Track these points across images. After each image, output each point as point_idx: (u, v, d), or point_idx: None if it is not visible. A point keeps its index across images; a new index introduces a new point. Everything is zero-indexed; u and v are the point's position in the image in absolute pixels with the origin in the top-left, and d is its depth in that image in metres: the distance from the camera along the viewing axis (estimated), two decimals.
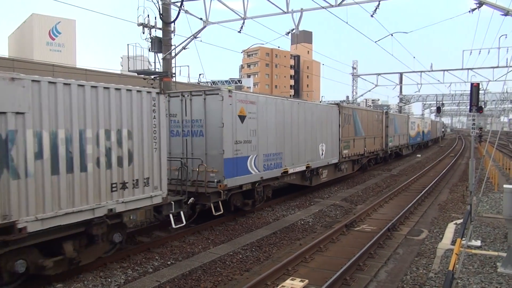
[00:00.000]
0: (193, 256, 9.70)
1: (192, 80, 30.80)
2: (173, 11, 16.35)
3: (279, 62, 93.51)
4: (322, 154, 18.47)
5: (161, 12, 15.92)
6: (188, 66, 20.68)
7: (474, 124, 15.35)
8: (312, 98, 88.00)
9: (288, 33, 18.29)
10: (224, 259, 9.53)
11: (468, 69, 34.24)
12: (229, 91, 12.31)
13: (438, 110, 51.96)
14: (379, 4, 15.40)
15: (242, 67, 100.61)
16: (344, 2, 15.17)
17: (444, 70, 37.11)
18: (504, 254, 8.47)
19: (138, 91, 9.10)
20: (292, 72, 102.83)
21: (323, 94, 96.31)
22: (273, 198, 15.52)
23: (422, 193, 17.78)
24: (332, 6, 15.34)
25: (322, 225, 13.22)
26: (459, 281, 7.58)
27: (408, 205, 15.10)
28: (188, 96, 12.29)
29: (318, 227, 12.91)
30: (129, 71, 18.53)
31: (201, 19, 16.69)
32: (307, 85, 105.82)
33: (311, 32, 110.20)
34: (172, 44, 16.58)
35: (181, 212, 10.44)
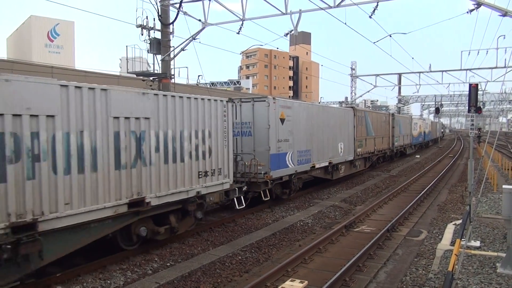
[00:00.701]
0: (192, 258, 9.69)
1: (191, 81, 30.81)
2: (172, 13, 16.36)
3: (278, 63, 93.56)
4: (341, 151, 20.89)
5: (159, 14, 15.91)
6: (187, 67, 20.72)
7: (472, 124, 15.36)
8: (311, 99, 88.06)
9: (287, 34, 18.29)
10: (223, 261, 9.52)
11: (466, 69, 34.25)
12: (274, 98, 14.82)
13: (437, 111, 52.04)
14: (377, 5, 15.41)
15: (241, 68, 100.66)
16: (342, 3, 15.18)
17: (442, 71, 37.12)
18: (504, 255, 8.47)
19: (214, 100, 11.64)
20: (291, 73, 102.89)
21: (322, 95, 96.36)
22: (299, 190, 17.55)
23: (421, 193, 17.80)
24: (330, 7, 15.34)
25: (322, 226, 13.21)
26: (458, 281, 7.58)
27: (408, 206, 15.11)
28: (238, 102, 14.55)
29: (318, 228, 12.90)
30: (128, 72, 18.50)
31: (199, 20, 16.69)
32: (306, 86, 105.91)
33: (309, 33, 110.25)
34: (171, 45, 16.57)
35: (241, 196, 12.97)
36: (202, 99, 11.15)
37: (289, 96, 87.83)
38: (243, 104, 14.44)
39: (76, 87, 7.92)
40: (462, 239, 9.04)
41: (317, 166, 18.01)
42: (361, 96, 48.11)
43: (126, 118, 8.92)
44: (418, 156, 40.21)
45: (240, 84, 59.60)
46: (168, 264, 9.31)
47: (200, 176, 11.06)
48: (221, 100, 11.96)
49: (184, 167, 10.48)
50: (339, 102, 63.93)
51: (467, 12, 14.67)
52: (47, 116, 7.36)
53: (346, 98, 57.55)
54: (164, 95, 9.92)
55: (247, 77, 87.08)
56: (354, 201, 17.44)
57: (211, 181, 11.51)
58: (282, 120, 15.10)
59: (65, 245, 7.81)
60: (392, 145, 32.24)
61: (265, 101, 14.39)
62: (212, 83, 53.83)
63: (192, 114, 10.74)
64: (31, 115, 7.09)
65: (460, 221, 12.08)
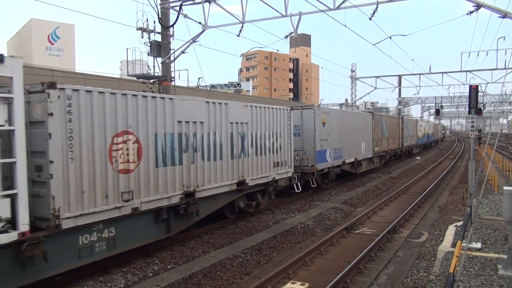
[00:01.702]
0: (193, 260, 9.68)
1: (191, 84, 30.83)
2: (172, 15, 16.40)
3: (278, 66, 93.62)
4: (363, 150, 24.27)
5: (160, 17, 15.95)
6: (187, 70, 20.76)
7: (473, 126, 15.36)
8: (311, 101, 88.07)
9: (287, 36, 18.34)
10: (224, 263, 9.51)
11: (466, 71, 34.27)
12: (318, 106, 18.65)
13: (437, 112, 52.03)
14: (377, 7, 15.44)
15: (241, 70, 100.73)
16: (342, 5, 15.21)
17: (443, 73, 37.13)
18: (505, 256, 8.46)
19: (282, 108, 15.15)
20: (291, 75, 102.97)
21: (322, 97, 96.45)
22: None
23: (422, 195, 17.78)
24: (330, 9, 15.37)
25: (322, 228, 13.20)
26: (460, 283, 7.57)
27: (408, 207, 15.09)
28: (290, 110, 16.85)
29: (318, 230, 12.89)
30: (128, 75, 18.53)
31: (200, 23, 16.72)
32: (306, 88, 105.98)
33: (309, 35, 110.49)
34: (171, 48, 16.60)
35: (298, 183, 16.45)
36: (275, 108, 14.71)
37: (289, 98, 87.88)
38: (293, 111, 16.61)
39: (213, 102, 11.62)
40: (463, 241, 9.01)
41: (346, 161, 21.61)
42: (361, 98, 48.11)
43: (236, 123, 12.50)
44: (419, 158, 40.19)
45: (240, 87, 59.61)
46: (169, 266, 9.30)
47: (275, 166, 14.69)
48: (286, 109, 15.52)
49: (266, 159, 14.11)
50: (339, 104, 63.96)
51: (467, 14, 14.69)
52: (200, 122, 11.02)
53: (346, 100, 57.56)
54: (255, 106, 13.55)
55: (247, 79, 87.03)
56: (355, 203, 17.42)
57: (281, 170, 15.12)
58: (323, 124, 18.58)
59: (208, 208, 11.54)
60: (402, 145, 35.77)
61: (311, 108, 18.14)
62: (212, 86, 53.83)
63: (270, 119, 14.28)
64: (193, 122, 10.75)
65: (461, 222, 12.05)
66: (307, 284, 7.99)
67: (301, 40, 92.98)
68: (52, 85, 7.31)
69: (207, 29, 16.73)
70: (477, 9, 14.16)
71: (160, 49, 16.42)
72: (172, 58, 16.66)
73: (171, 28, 16.36)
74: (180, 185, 10.31)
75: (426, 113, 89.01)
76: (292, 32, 16.96)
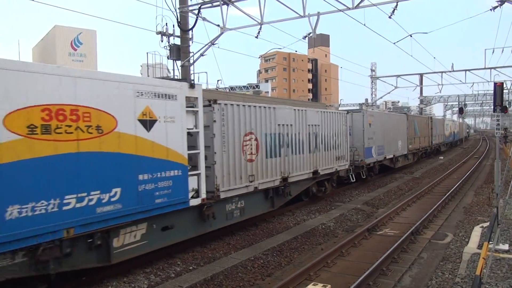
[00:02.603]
0: (214, 261, 9.73)
1: (210, 86, 31.04)
2: (191, 19, 16.55)
3: (296, 66, 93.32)
4: (399, 147, 27.25)
5: (179, 20, 16.12)
6: (206, 72, 20.94)
7: (498, 124, 14.96)
8: (330, 102, 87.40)
9: (305, 37, 18.24)
10: (245, 264, 9.52)
11: (491, 68, 33.35)
12: (366, 110, 22.19)
13: (461, 111, 50.94)
14: (397, 4, 15.20)
15: (259, 72, 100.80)
16: (361, 4, 15.04)
17: (466, 70, 36.23)
18: None
19: (341, 112, 18.32)
20: (310, 75, 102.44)
21: (341, 97, 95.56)
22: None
23: (446, 195, 17.41)
24: (349, 8, 15.22)
25: (344, 229, 13.08)
26: (487, 286, 7.38)
27: (432, 208, 14.80)
28: (346, 113, 19.48)
29: (340, 232, 12.78)
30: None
31: (218, 25, 16.81)
32: (325, 88, 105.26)
33: (328, 35, 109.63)
34: (190, 51, 16.75)
35: (352, 174, 19.33)
36: (336, 113, 17.76)
37: (308, 99, 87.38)
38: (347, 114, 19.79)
39: (298, 110, 14.62)
40: (490, 242, 8.80)
41: (387, 157, 24.53)
42: (381, 97, 47.56)
43: (311, 125, 15.41)
44: (442, 158, 39.38)
45: (259, 88, 59.62)
46: (191, 267, 9.38)
47: (337, 159, 17.48)
48: (344, 112, 18.66)
49: (331, 153, 16.93)
50: (359, 104, 63.26)
51: (491, 9, 14.34)
52: (290, 125, 14.04)
53: (366, 99, 56.90)
54: (323, 111, 16.56)
55: (266, 81, 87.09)
56: (377, 203, 17.19)
57: (341, 163, 17.98)
58: (370, 124, 21.40)
59: (295, 190, 14.76)
60: (431, 143, 38.51)
61: (361, 112, 21.37)
62: (231, 87, 54.07)
63: (333, 122, 17.12)
64: (286, 124, 13.80)
65: (487, 223, 11.76)
66: (329, 285, 7.92)
67: (319, 40, 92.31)
68: (215, 101, 10.86)
69: (225, 31, 16.81)
70: (501, 4, 13.80)
71: (179, 52, 16.59)
72: (191, 61, 16.81)
73: (190, 32, 16.51)
74: (279, 172, 13.51)
75: (449, 111, 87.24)
76: (310, 33, 16.85)
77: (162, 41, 16.38)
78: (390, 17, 15.64)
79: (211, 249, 10.70)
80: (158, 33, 16.17)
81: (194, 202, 9.70)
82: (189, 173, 9.49)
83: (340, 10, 15.40)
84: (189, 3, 16.40)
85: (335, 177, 17.81)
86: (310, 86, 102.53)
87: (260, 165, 12.52)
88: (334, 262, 9.58)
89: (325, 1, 14.78)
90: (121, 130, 7.94)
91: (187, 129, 9.51)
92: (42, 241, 6.71)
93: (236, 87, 56.80)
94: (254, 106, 12.35)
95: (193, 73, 17.05)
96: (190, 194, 9.57)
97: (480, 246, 9.88)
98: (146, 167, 8.41)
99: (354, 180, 19.59)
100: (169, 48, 16.59)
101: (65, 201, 6.99)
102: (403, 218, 14.19)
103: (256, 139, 12.34)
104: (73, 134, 7.13)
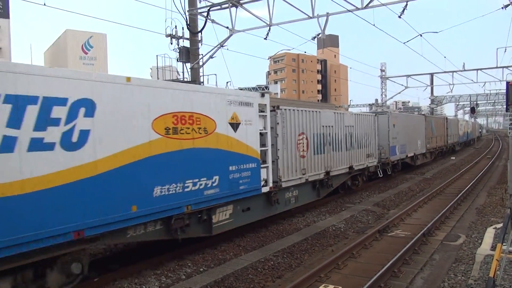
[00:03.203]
0: (224, 263, 9.74)
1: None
2: (200, 21, 16.63)
3: (305, 67, 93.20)
4: (419, 146, 29.17)
5: (188, 23, 16.22)
6: (215, 74, 20.84)
7: (511, 124, 14.73)
8: (340, 102, 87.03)
9: (314, 38, 18.20)
10: (255, 266, 9.52)
11: (503, 67, 32.91)
12: (390, 112, 24.73)
13: (472, 110, 50.30)
14: (406, 4, 15.10)
15: (269, 73, 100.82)
16: (370, 4, 14.97)
17: (477, 69, 35.84)
18: None
19: (370, 114, 20.50)
20: (319, 76, 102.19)
21: (351, 98, 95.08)
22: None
23: (458, 196, 17.20)
24: (358, 8, 15.17)
25: (354, 230, 13.00)
26: None
27: (444, 209, 14.64)
28: (375, 115, 21.57)
29: (350, 233, 12.71)
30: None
31: (227, 27, 16.87)
32: (335, 89, 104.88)
33: (337, 36, 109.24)
34: (200, 53, 16.84)
35: (380, 170, 21.35)
36: (367, 115, 20.08)
37: (318, 100, 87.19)
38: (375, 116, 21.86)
39: (337, 113, 16.93)
40: (504, 244, 8.67)
41: (408, 155, 26.44)
42: (391, 97, 47.22)
43: (347, 126, 17.27)
44: (454, 158, 38.95)
45: (268, 89, 59.62)
46: (201, 269, 9.40)
47: (367, 156, 19.47)
48: (373, 115, 20.90)
49: (363, 151, 18.87)
50: (369, 104, 62.87)
51: (502, 7, 14.17)
52: (331, 126, 16.03)
53: (376, 100, 56.53)
54: (356, 114, 19.15)
55: (275, 82, 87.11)
56: (387, 205, 17.06)
57: (371, 159, 19.91)
58: (394, 125, 23.36)
59: (335, 183, 16.72)
60: (447, 142, 40.23)
61: (386, 114, 23.55)
62: (241, 89, 54.14)
63: (363, 123, 19.11)
64: (328, 126, 15.79)
65: (501, 224, 11.59)
66: (340, 287, 7.88)
67: (329, 41, 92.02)
68: (278, 107, 13.00)
69: (234, 33, 16.86)
70: None
71: (189, 54, 16.68)
72: (200, 63, 16.89)
73: (199, 34, 16.59)
74: (323, 166, 15.53)
75: (460, 111, 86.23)
76: (319, 33, 16.82)
77: (171, 44, 16.48)
78: (400, 17, 15.55)
79: (221, 250, 10.72)
80: (167, 35, 16.27)
81: (264, 189, 11.91)
82: (261, 166, 11.64)
83: (349, 11, 15.35)
84: (198, 5, 16.50)
85: (366, 172, 19.84)
86: (319, 87, 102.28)
87: (309, 160, 14.61)
88: (345, 263, 9.53)
89: (334, 1, 14.75)
90: (219, 131, 10.16)
91: (259, 130, 11.66)
92: (173, 214, 8.95)
93: (246, 88, 56.87)
94: (305, 111, 14.40)
95: (203, 75, 17.14)
96: (262, 183, 11.72)
97: (493, 248, 9.74)
98: (234, 160, 10.59)
99: (382, 175, 21.69)
100: (178, 51, 16.68)
101: (186, 185, 9.15)
102: (415, 220, 14.06)
103: (306, 138, 14.46)
104: (190, 134, 9.34)
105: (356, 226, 13.59)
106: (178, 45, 16.58)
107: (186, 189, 9.12)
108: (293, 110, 13.79)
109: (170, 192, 8.71)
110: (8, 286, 6.60)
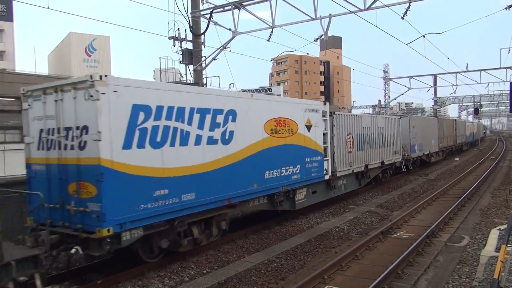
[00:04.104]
0: (228, 265, 9.74)
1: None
2: (203, 23, 16.67)
3: (308, 69, 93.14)
4: (433, 145, 32.22)
5: (191, 25, 16.26)
6: (218, 76, 20.94)
7: None
8: (343, 104, 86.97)
9: (317, 39, 18.23)
10: (259, 268, 9.51)
11: (506, 68, 32.81)
12: (411, 115, 28.12)
13: (476, 111, 50.16)
14: (409, 5, 15.09)
15: (271, 75, 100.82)
16: (373, 6, 14.97)
17: (481, 70, 35.73)
18: None
19: (395, 116, 23.34)
20: (322, 78, 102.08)
21: (354, 99, 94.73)
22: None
23: (462, 198, 17.13)
24: (361, 10, 15.17)
25: (358, 232, 12.98)
26: None
27: (448, 210, 14.58)
28: (399, 118, 24.74)
29: (354, 235, 12.68)
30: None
31: (230, 29, 16.90)
32: (338, 90, 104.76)
33: (340, 37, 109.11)
34: (203, 55, 16.87)
35: (404, 165, 24.28)
36: (393, 118, 23.03)
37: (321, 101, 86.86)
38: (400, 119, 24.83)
39: (373, 117, 20.06)
40: (508, 245, 8.63)
41: (425, 153, 29.48)
42: (395, 99, 47.12)
43: (380, 127, 20.18)
44: (457, 159, 38.81)
45: (271, 91, 59.60)
46: (205, 271, 9.41)
47: (394, 153, 22.15)
48: (398, 117, 24.07)
49: (391, 149, 21.66)
50: (372, 105, 62.80)
51: (506, 8, 14.13)
52: (368, 127, 18.96)
53: (379, 101, 56.46)
54: (386, 117, 22.04)
55: (278, 84, 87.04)
56: (391, 206, 17.02)
57: (397, 156, 22.57)
58: (413, 127, 26.32)
59: (371, 175, 19.79)
60: (456, 142, 43.10)
61: (407, 117, 26.63)
62: (243, 91, 54.12)
63: (391, 124, 21.85)
64: (366, 127, 18.73)
65: (505, 226, 11.53)
66: None
67: (331, 43, 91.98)
68: (334, 113, 16.15)
69: (237, 35, 16.88)
70: None
71: (191, 56, 16.72)
72: (203, 65, 16.92)
73: (202, 36, 16.63)
74: (363, 161, 18.45)
75: (464, 112, 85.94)
76: (322, 35, 16.83)
77: (174, 46, 16.54)
78: (402, 18, 15.55)
79: (225, 252, 10.72)
80: (170, 38, 16.32)
81: (326, 177, 15.15)
82: (324, 159, 14.84)
83: (352, 12, 15.35)
84: (201, 7, 16.55)
85: (393, 167, 22.73)
86: (322, 88, 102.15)
87: (354, 155, 17.60)
88: (348, 265, 9.50)
89: (336, 3, 14.75)
90: (299, 131, 13.48)
91: (323, 130, 14.86)
92: (275, 192, 12.33)
93: (248, 90, 56.86)
94: (352, 115, 18.41)
95: (206, 77, 17.16)
96: (324, 172, 14.88)
97: (497, 249, 9.70)
98: (308, 153, 13.91)
99: (405, 170, 24.87)
100: (181, 53, 16.72)
101: (281, 171, 12.45)
102: (418, 221, 14.01)
103: (352, 138, 17.45)
104: (283, 134, 12.66)
105: (360, 227, 13.56)
106: (181, 47, 16.63)
107: (282, 174, 12.50)
108: (344, 115, 17.41)
109: (274, 176, 12.04)
110: (196, 231, 9.85)
